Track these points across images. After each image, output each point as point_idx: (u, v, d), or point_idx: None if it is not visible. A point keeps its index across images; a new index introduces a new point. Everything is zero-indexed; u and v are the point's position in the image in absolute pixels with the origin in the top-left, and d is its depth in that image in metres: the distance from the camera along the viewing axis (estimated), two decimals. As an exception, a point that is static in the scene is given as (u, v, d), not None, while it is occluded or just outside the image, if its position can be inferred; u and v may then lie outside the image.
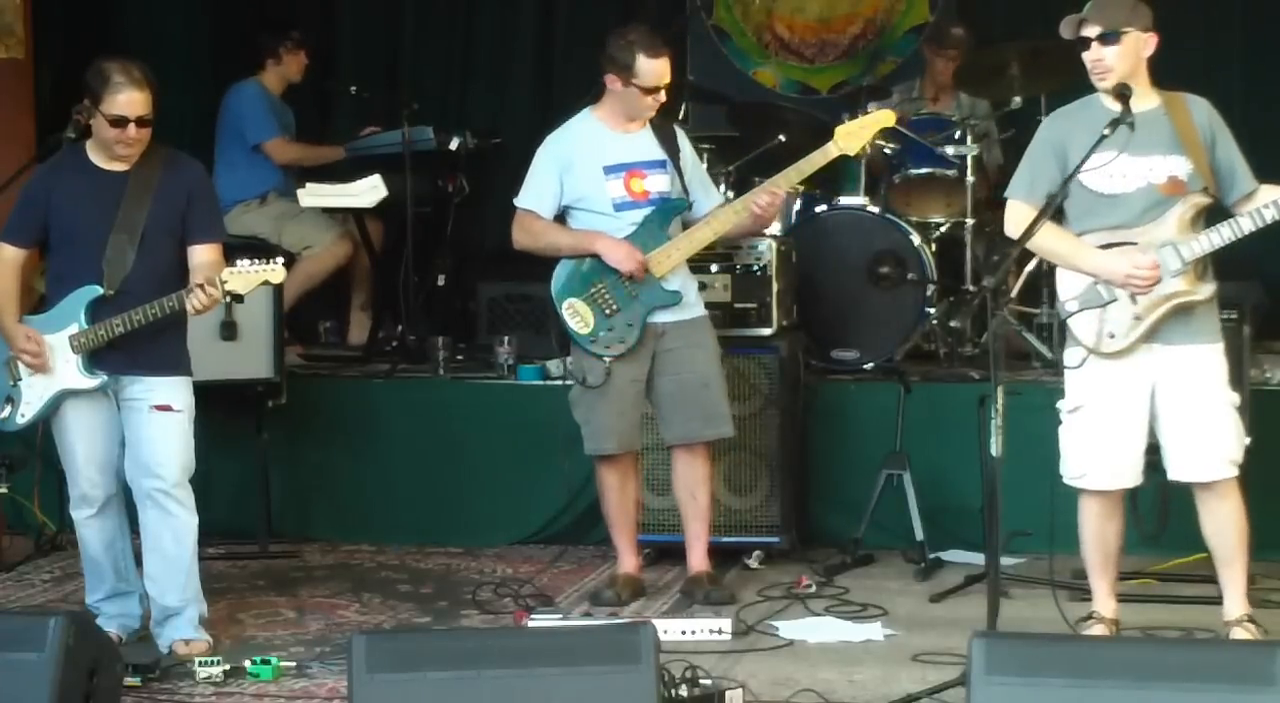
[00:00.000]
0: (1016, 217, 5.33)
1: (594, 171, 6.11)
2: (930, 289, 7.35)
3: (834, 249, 7.24)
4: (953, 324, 7.28)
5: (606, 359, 6.07)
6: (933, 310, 7.38)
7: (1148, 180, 5.22)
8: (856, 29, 9.09)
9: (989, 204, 7.88)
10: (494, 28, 9.21)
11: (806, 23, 9.14)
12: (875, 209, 7.46)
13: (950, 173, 7.63)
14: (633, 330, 6.08)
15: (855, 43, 9.09)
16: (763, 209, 6.13)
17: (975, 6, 8.82)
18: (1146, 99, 5.27)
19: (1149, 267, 5.14)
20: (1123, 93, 5.18)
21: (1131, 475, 5.31)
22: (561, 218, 6.18)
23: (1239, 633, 5.26)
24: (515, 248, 6.25)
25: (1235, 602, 5.34)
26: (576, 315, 6.10)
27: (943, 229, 7.72)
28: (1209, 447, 5.23)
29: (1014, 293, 7.17)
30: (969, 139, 7.57)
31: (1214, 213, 5.32)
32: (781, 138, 7.34)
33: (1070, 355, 5.32)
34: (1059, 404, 5.39)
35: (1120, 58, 5.22)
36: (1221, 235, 5.17)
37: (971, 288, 7.40)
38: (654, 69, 6.05)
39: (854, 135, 6.20)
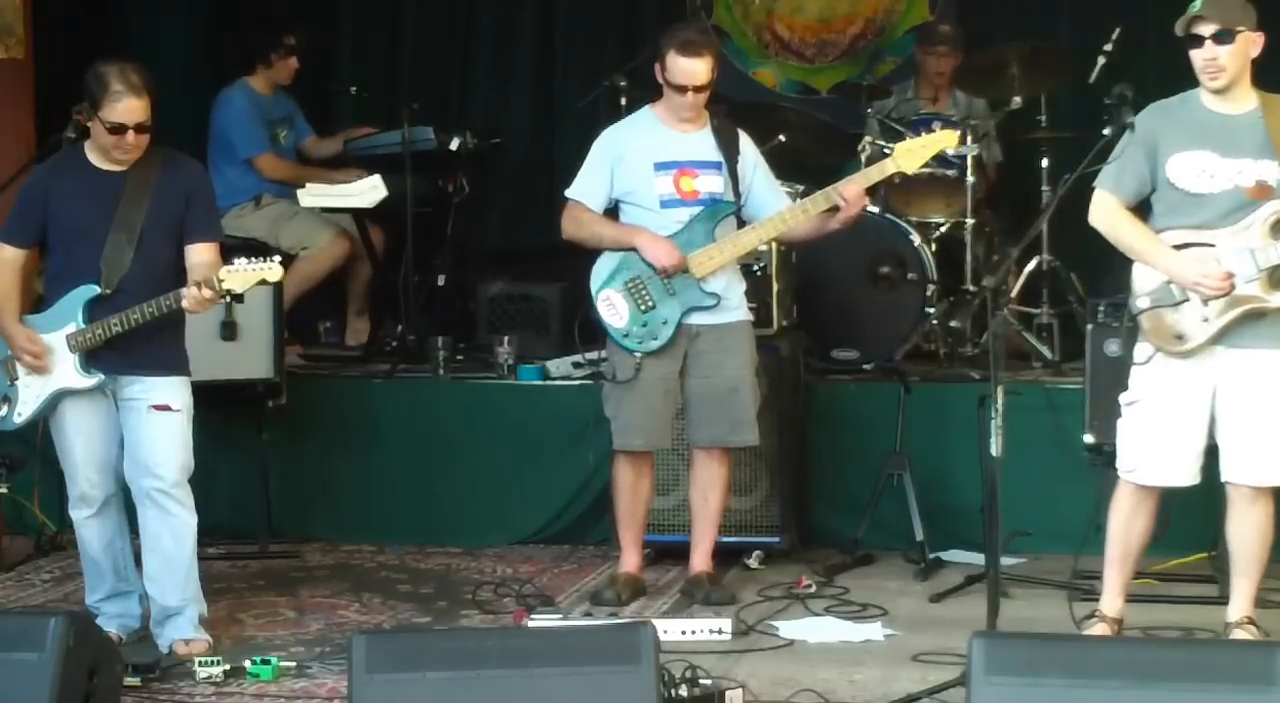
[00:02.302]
0: (1100, 206, 5.25)
1: (644, 167, 6.07)
2: (930, 289, 7.34)
3: (834, 249, 7.22)
4: (953, 324, 7.27)
5: (637, 355, 6.06)
6: (933, 310, 7.38)
7: (1235, 183, 5.14)
8: (856, 29, 9.07)
9: (989, 204, 7.89)
10: (494, 28, 9.19)
11: (806, 23, 9.12)
12: (875, 209, 7.44)
13: (950, 173, 7.61)
14: (666, 328, 6.05)
15: (855, 43, 9.07)
16: (849, 202, 6.01)
17: (975, 6, 8.80)
18: (1245, 101, 5.19)
19: (1219, 278, 5.07)
20: (1123, 95, 5.14)
21: (1182, 475, 5.24)
22: (615, 211, 6.15)
23: (1239, 634, 5.25)
24: (563, 237, 6.19)
25: (1240, 605, 5.32)
26: (612, 308, 6.07)
27: (943, 229, 7.71)
28: (1265, 452, 5.16)
29: (1014, 293, 7.25)
30: (969, 139, 7.56)
31: None
32: (781, 138, 7.34)
33: (1138, 351, 5.25)
34: (1121, 397, 5.33)
35: (1233, 57, 5.11)
36: None
37: (971, 288, 7.40)
38: (682, 67, 5.98)
39: (913, 153, 6.15)
